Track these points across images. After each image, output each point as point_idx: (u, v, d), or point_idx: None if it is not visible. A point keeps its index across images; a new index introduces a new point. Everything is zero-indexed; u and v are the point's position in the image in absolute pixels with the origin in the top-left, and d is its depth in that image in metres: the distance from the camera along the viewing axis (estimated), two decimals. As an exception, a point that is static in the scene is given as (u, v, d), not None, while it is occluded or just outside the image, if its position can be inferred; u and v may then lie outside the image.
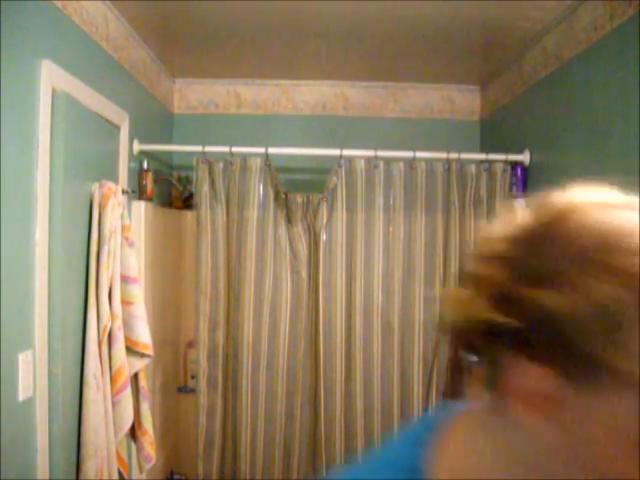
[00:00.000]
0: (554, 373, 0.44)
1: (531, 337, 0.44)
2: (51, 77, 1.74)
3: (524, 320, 0.44)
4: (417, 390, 2.72)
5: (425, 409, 2.72)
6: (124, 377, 2.01)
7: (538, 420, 0.46)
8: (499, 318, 0.45)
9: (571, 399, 0.44)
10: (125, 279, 2.09)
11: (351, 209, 2.65)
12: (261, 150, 2.61)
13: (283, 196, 2.69)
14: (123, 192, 2.17)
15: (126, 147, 2.44)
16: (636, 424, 0.42)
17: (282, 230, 2.67)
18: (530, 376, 0.45)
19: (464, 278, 0.52)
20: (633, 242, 0.43)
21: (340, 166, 2.63)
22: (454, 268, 2.70)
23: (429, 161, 2.70)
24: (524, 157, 2.64)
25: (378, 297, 2.68)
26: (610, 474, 0.44)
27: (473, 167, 2.72)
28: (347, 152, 2.62)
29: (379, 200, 2.68)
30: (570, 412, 0.45)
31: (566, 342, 0.43)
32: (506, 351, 0.46)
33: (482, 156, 2.76)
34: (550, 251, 0.44)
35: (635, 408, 0.42)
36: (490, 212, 2.71)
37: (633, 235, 0.43)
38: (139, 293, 2.16)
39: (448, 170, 2.69)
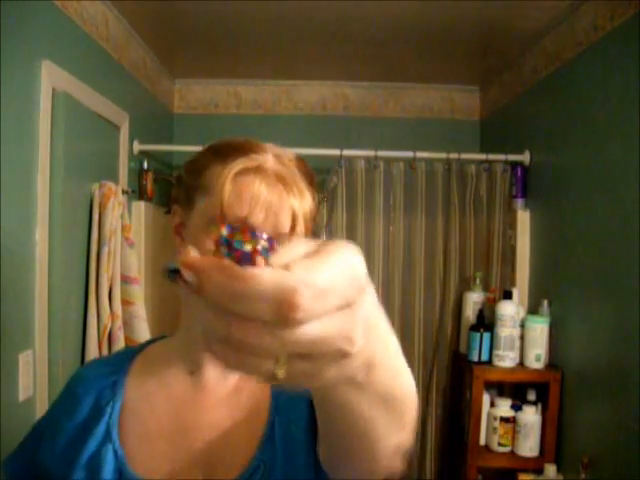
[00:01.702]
0: (180, 208, 0.83)
1: (178, 195, 0.84)
2: (51, 77, 1.74)
3: (179, 186, 0.85)
4: (417, 390, 2.71)
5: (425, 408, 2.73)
6: (124, 377, 2.01)
7: (177, 239, 0.85)
8: (174, 193, 0.87)
9: (184, 219, 0.82)
10: (125, 279, 2.09)
11: (351, 209, 2.66)
12: (261, 150, 2.60)
13: (283, 196, 2.69)
14: (123, 192, 2.17)
15: (126, 147, 2.44)
16: (204, 213, 0.77)
17: (282, 230, 2.67)
18: (175, 212, 0.84)
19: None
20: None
21: (340, 166, 2.63)
22: (454, 268, 2.71)
23: (429, 161, 2.70)
24: (524, 157, 2.64)
25: (378, 297, 2.68)
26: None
27: (473, 167, 2.72)
28: (347, 152, 2.62)
29: (379, 200, 2.68)
30: (185, 228, 0.82)
31: (181, 188, 0.83)
32: (173, 207, 0.85)
33: (482, 156, 2.76)
34: (191, 163, 0.84)
35: (204, 203, 0.78)
36: (490, 212, 2.71)
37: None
38: (139, 293, 2.16)
39: (448, 170, 2.69)
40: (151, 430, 0.82)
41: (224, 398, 0.83)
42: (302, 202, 0.77)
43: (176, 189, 0.86)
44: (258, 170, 0.76)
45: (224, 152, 0.79)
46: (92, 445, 0.80)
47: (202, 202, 0.78)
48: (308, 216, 0.79)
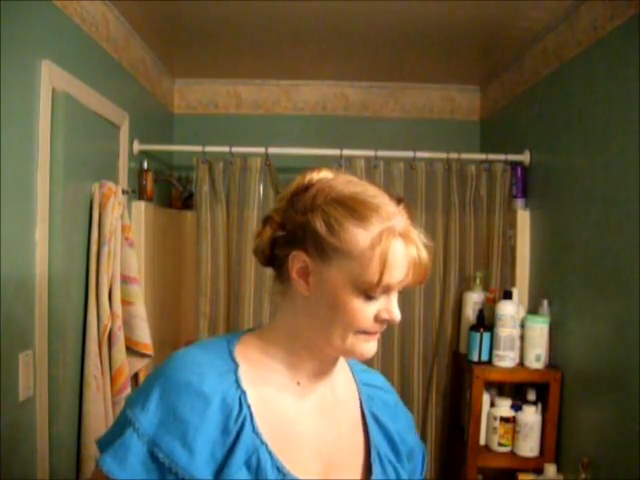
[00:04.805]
0: (306, 254, 0.84)
1: (297, 237, 0.85)
2: (51, 77, 1.74)
3: (293, 229, 0.86)
4: (417, 390, 2.72)
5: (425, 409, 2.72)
6: (124, 377, 2.01)
7: (300, 282, 0.86)
8: (280, 232, 0.88)
9: (313, 267, 0.84)
10: (125, 279, 2.09)
11: (351, 209, 2.65)
12: (261, 150, 2.60)
13: (283, 196, 2.69)
14: (123, 192, 2.17)
15: (126, 147, 2.44)
16: (349, 275, 0.82)
17: (282, 230, 2.67)
18: (298, 258, 0.85)
19: (262, 220, 0.92)
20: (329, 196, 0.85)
21: (340, 166, 2.63)
22: (454, 268, 2.70)
23: (429, 161, 2.70)
24: (524, 157, 2.64)
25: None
26: (339, 304, 0.83)
27: (473, 167, 2.72)
28: (347, 152, 2.62)
29: (379, 200, 2.68)
30: (313, 275, 0.85)
31: (310, 236, 0.84)
32: (287, 249, 0.86)
33: (482, 156, 2.76)
34: (303, 197, 0.87)
35: (347, 265, 0.82)
36: (490, 212, 2.71)
37: (330, 192, 0.85)
38: (139, 293, 2.16)
39: (448, 170, 2.69)
40: (278, 434, 0.86)
41: (325, 411, 0.92)
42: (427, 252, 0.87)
43: (288, 231, 0.87)
44: (398, 235, 0.83)
45: (360, 213, 0.83)
46: (245, 446, 0.82)
47: (344, 262, 0.82)
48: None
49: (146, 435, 0.81)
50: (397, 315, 0.86)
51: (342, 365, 0.99)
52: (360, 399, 0.99)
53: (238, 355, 0.88)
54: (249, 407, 0.84)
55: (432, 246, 0.88)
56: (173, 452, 0.80)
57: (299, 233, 0.85)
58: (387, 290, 0.84)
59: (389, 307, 0.85)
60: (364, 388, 1.00)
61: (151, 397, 0.83)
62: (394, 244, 0.82)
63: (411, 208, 0.88)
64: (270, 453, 0.83)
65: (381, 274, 0.81)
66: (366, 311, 0.84)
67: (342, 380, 0.98)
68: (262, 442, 0.83)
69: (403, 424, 1.03)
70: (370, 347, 0.87)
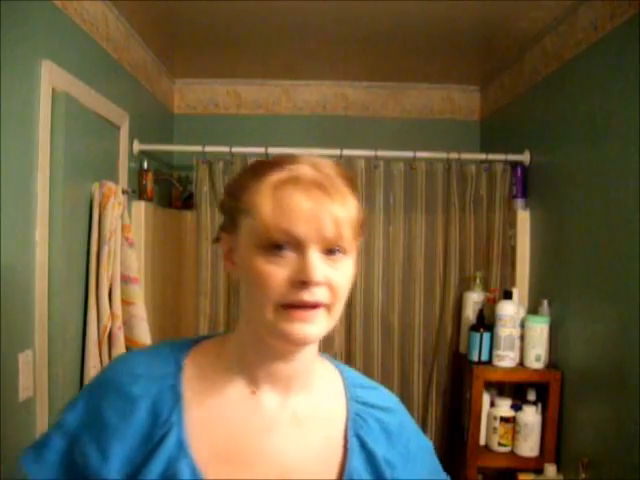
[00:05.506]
0: (226, 233, 0.81)
1: (222, 223, 0.84)
2: (51, 77, 1.74)
3: (223, 213, 0.84)
4: (417, 390, 2.72)
5: (425, 409, 2.72)
6: (124, 377, 2.01)
7: (228, 264, 0.82)
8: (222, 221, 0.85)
9: (233, 243, 0.80)
10: (125, 279, 2.09)
11: (351, 209, 2.65)
12: (261, 150, 2.60)
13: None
14: (123, 192, 2.17)
15: (126, 147, 2.44)
16: (251, 233, 0.76)
17: (282, 230, 2.67)
18: (223, 239, 0.83)
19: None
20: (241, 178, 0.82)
21: (340, 166, 2.63)
22: (454, 268, 2.70)
23: (429, 161, 2.69)
24: (524, 157, 2.64)
25: (378, 297, 2.68)
26: (251, 270, 0.75)
27: (473, 167, 2.72)
28: (347, 152, 2.62)
29: (379, 200, 2.68)
30: (235, 253, 0.80)
31: (223, 213, 0.83)
32: (221, 235, 0.84)
33: (482, 156, 2.76)
34: (230, 186, 0.83)
35: (248, 224, 0.76)
36: (490, 212, 2.71)
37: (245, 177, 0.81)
38: (139, 293, 2.16)
39: (448, 170, 2.69)
40: (220, 449, 0.78)
41: (288, 427, 0.82)
42: (345, 207, 0.75)
43: (222, 216, 0.85)
44: (295, 181, 0.75)
45: (259, 169, 0.78)
46: (164, 456, 0.75)
47: (247, 223, 0.76)
48: (354, 221, 0.77)
49: (68, 433, 0.79)
50: (312, 273, 0.72)
51: (329, 377, 0.90)
52: (347, 418, 0.86)
53: (188, 360, 0.82)
54: (180, 414, 0.77)
55: (355, 205, 0.78)
56: (88, 452, 0.77)
57: (222, 217, 0.85)
58: (295, 245, 0.74)
59: (302, 266, 0.73)
60: (356, 406, 0.87)
61: (82, 396, 0.82)
62: (286, 188, 0.74)
63: (347, 172, 0.80)
64: (192, 466, 0.75)
65: (269, 217, 0.73)
66: (275, 273, 0.73)
67: (324, 395, 0.87)
68: (186, 454, 0.76)
69: (401, 451, 0.88)
70: (297, 328, 0.74)
